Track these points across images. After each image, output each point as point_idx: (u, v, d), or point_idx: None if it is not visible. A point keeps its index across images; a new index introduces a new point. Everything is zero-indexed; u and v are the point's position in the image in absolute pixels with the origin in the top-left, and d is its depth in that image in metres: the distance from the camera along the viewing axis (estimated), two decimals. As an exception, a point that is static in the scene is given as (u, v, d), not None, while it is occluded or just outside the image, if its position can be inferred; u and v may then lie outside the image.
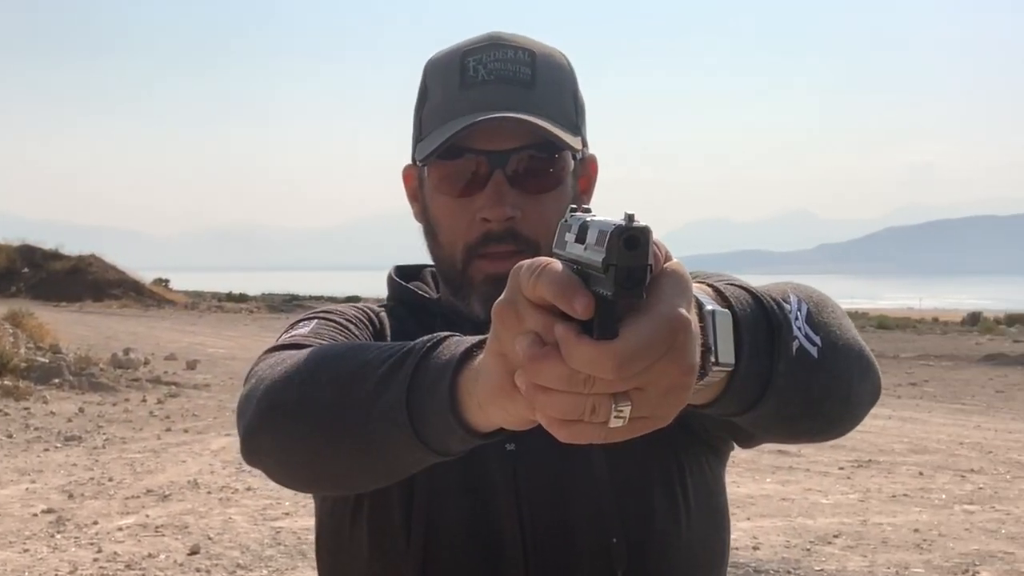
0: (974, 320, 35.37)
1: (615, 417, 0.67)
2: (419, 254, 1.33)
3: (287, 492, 7.19)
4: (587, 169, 1.30)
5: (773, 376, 0.90)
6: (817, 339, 0.96)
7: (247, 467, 7.91)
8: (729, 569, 1.31)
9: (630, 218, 0.65)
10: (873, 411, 1.10)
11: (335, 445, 0.96)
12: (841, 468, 8.99)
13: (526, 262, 0.70)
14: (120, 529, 6.70)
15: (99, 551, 6.21)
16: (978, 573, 6.04)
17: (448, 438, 0.87)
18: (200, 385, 14.17)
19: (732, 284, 0.93)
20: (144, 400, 12.68)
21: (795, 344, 0.93)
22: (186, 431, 10.58)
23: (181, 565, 5.99)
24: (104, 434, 10.30)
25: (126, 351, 16.09)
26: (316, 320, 1.22)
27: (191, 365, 16.35)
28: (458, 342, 0.89)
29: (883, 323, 32.87)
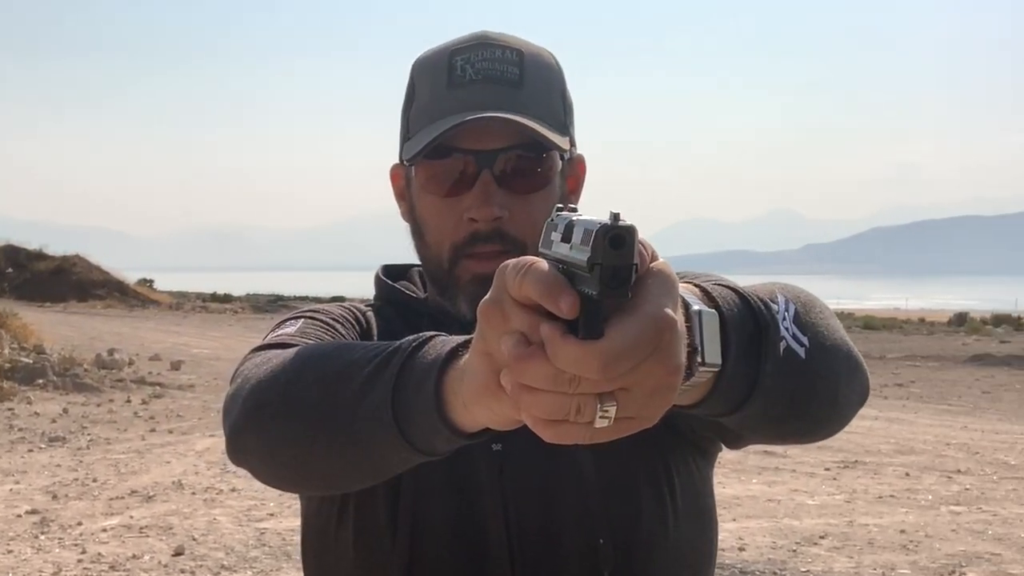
0: (960, 320, 35.50)
1: (600, 417, 0.67)
2: (406, 254, 1.31)
3: (272, 493, 7.17)
4: (575, 169, 1.30)
5: (760, 377, 0.90)
6: (805, 340, 0.96)
7: (232, 468, 7.91)
8: (715, 570, 1.31)
9: (615, 217, 0.64)
10: (860, 412, 1.10)
11: (321, 445, 0.96)
12: (827, 469, 9.01)
13: (512, 261, 0.70)
14: (104, 530, 6.67)
15: (83, 552, 6.18)
16: (964, 574, 6.06)
17: (434, 438, 0.87)
18: (185, 386, 14.12)
19: (719, 284, 0.93)
20: (128, 401, 12.63)
21: (782, 345, 0.92)
22: (171, 432, 10.54)
23: (166, 566, 5.96)
24: (88, 435, 10.25)
25: (110, 352, 16.02)
26: (303, 319, 1.21)
27: (175, 366, 16.28)
28: (444, 342, 0.88)
29: (869, 323, 32.99)
